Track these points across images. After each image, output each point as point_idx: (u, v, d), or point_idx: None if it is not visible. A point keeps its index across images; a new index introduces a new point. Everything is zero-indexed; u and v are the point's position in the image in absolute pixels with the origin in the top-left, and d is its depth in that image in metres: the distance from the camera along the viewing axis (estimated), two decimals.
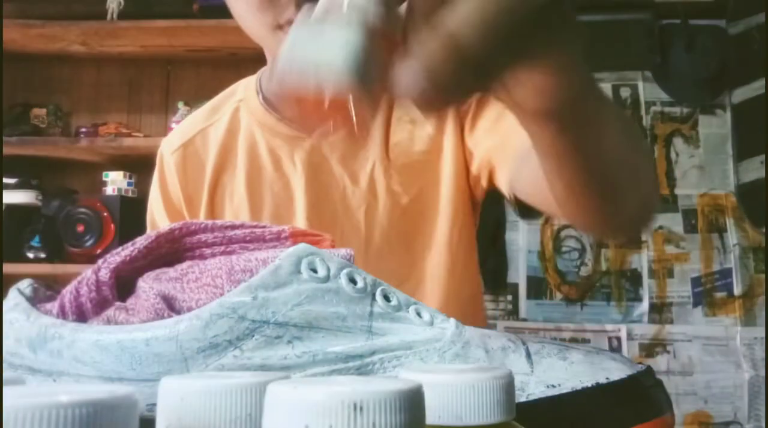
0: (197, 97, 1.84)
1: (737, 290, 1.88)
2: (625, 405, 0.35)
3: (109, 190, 1.80)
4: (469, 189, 0.76)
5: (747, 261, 1.89)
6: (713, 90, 1.97)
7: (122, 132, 1.85)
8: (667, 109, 1.98)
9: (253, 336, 0.33)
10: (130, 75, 2.02)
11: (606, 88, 1.99)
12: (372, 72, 0.26)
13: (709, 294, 1.89)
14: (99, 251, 1.68)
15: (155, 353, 0.33)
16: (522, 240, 1.95)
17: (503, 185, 0.68)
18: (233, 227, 0.40)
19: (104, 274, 0.37)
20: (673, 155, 1.96)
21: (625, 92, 1.99)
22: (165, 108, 2.00)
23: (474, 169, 0.74)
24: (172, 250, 0.39)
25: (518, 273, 1.94)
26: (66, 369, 0.34)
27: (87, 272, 0.37)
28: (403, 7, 0.28)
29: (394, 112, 0.75)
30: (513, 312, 1.92)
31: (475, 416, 0.24)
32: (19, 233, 1.75)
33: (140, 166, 1.82)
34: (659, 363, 1.84)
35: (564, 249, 1.94)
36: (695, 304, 1.89)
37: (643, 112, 1.98)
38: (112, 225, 1.72)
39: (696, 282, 1.90)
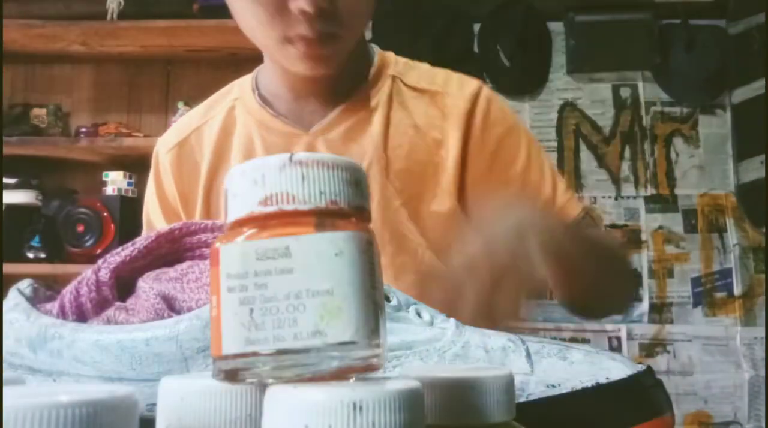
0: (197, 97, 1.83)
1: (737, 290, 1.88)
2: (625, 405, 0.35)
3: (109, 190, 1.80)
4: (463, 199, 0.76)
5: (747, 261, 1.89)
6: (713, 90, 1.97)
7: (122, 132, 1.85)
8: (667, 109, 1.98)
9: None
10: (130, 75, 2.02)
11: (606, 88, 1.99)
12: None
13: (709, 294, 1.89)
14: (99, 251, 1.68)
15: (155, 353, 0.33)
16: None
17: None
18: None
19: (104, 274, 0.37)
20: (673, 155, 1.96)
21: (625, 92, 1.99)
22: (165, 108, 2.00)
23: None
24: (172, 250, 0.39)
25: None
26: (66, 369, 0.34)
27: (87, 272, 0.37)
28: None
29: (392, 113, 0.75)
30: None
31: (474, 416, 0.24)
32: (19, 233, 1.75)
33: (140, 166, 1.82)
34: (659, 363, 1.84)
35: None
36: (695, 304, 1.89)
37: (643, 112, 1.98)
38: (112, 225, 1.72)
39: (696, 282, 1.90)
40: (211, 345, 0.22)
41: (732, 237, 1.91)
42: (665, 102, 1.98)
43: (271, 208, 0.22)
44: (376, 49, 0.80)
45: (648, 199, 1.94)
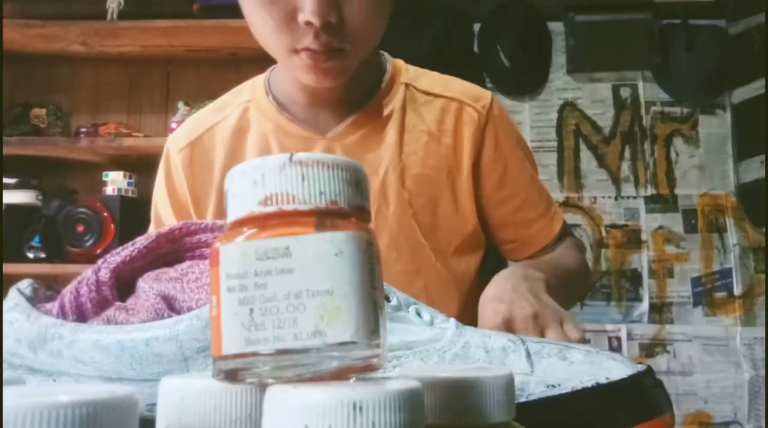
0: (197, 97, 1.84)
1: (737, 290, 1.88)
2: (625, 405, 0.35)
3: (109, 190, 1.80)
4: (474, 207, 0.79)
5: (747, 261, 1.89)
6: (713, 90, 1.97)
7: (122, 132, 1.85)
8: (667, 109, 1.98)
9: None
10: (130, 75, 2.02)
11: (606, 88, 1.99)
12: None
13: (709, 294, 1.89)
14: (99, 251, 1.68)
15: (155, 353, 0.33)
16: None
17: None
18: None
19: (104, 274, 0.37)
20: (673, 155, 1.96)
21: (625, 92, 1.99)
22: (165, 108, 2.00)
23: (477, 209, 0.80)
24: (172, 250, 0.39)
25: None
26: (66, 369, 0.34)
27: (87, 272, 0.37)
28: None
29: (406, 119, 0.76)
30: None
31: (474, 416, 0.24)
32: (19, 233, 1.75)
33: (140, 166, 1.82)
34: (659, 363, 1.84)
35: None
36: (695, 304, 1.89)
37: (643, 112, 1.98)
38: (112, 225, 1.72)
39: (696, 282, 1.90)
40: (211, 345, 0.22)
41: (732, 237, 1.91)
42: (665, 102, 1.98)
43: (271, 208, 0.22)
44: (387, 57, 0.80)
45: (648, 199, 1.94)
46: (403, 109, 0.76)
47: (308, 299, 0.21)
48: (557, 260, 0.80)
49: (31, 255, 1.75)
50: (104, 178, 1.82)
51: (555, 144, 1.98)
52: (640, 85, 1.99)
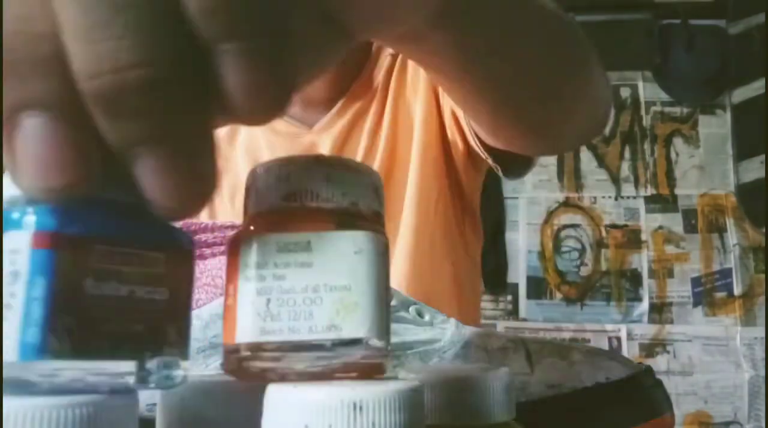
0: None
1: (737, 290, 1.88)
2: (625, 405, 0.35)
3: None
4: (446, 162, 0.72)
5: (747, 261, 1.89)
6: (713, 90, 1.97)
7: None
8: (667, 109, 1.98)
9: None
10: None
11: None
12: None
13: (709, 294, 1.89)
14: None
15: None
16: (522, 240, 1.95)
17: (471, 140, 0.64)
18: (233, 227, 0.40)
19: None
20: (673, 155, 1.96)
21: (625, 92, 1.99)
22: None
23: (448, 133, 0.71)
24: None
25: (518, 273, 1.94)
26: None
27: None
28: None
29: (390, 91, 0.74)
30: (513, 312, 1.92)
31: (475, 416, 0.24)
32: None
33: None
34: (659, 363, 1.84)
35: (564, 249, 1.94)
36: (695, 304, 1.89)
37: (643, 112, 1.98)
38: None
39: (696, 282, 1.90)
40: (224, 333, 0.22)
41: (732, 237, 1.91)
42: (665, 102, 1.98)
43: (294, 204, 0.22)
44: None
45: (648, 199, 1.94)
46: (387, 81, 0.74)
47: (326, 293, 0.21)
48: None
49: None
50: None
51: None
52: (640, 85, 1.99)
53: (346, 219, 0.22)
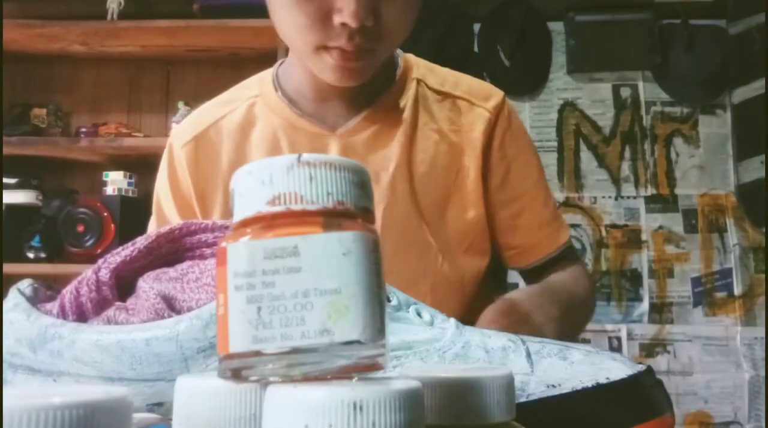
0: (197, 97, 1.83)
1: (737, 290, 1.88)
2: (625, 405, 0.35)
3: (109, 190, 1.80)
4: (483, 207, 0.77)
5: (747, 261, 1.89)
6: (713, 90, 1.97)
7: (122, 132, 1.85)
8: (667, 109, 1.98)
9: None
10: (130, 75, 2.02)
11: (606, 88, 1.99)
12: None
13: (709, 294, 1.89)
14: (99, 251, 1.68)
15: (155, 353, 0.33)
16: None
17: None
18: None
19: (104, 274, 0.37)
20: (673, 155, 1.96)
21: (625, 92, 1.99)
22: (165, 108, 2.00)
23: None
24: (172, 250, 0.39)
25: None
26: (66, 369, 0.34)
27: (87, 272, 0.37)
28: None
29: (418, 117, 0.76)
30: None
31: (475, 416, 0.24)
32: (19, 233, 1.75)
33: (140, 166, 1.82)
34: (659, 363, 1.84)
35: None
36: (695, 304, 1.89)
37: (643, 112, 1.98)
38: (112, 225, 1.72)
39: (696, 282, 1.90)
40: (218, 343, 0.22)
41: (732, 237, 1.91)
42: (665, 102, 1.98)
43: (279, 208, 0.22)
44: (399, 51, 0.79)
45: (648, 199, 1.94)
46: (415, 106, 0.76)
47: (316, 298, 0.21)
48: (570, 288, 0.78)
49: (31, 255, 1.75)
50: (104, 178, 1.82)
51: (555, 144, 1.98)
52: (640, 85, 1.99)
53: (332, 220, 0.22)
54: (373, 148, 0.74)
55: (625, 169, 1.96)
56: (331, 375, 0.21)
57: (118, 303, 0.37)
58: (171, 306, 0.36)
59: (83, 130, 1.85)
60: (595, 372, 0.35)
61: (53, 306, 0.36)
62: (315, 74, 0.70)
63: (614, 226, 1.94)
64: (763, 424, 1.77)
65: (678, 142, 1.97)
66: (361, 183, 0.23)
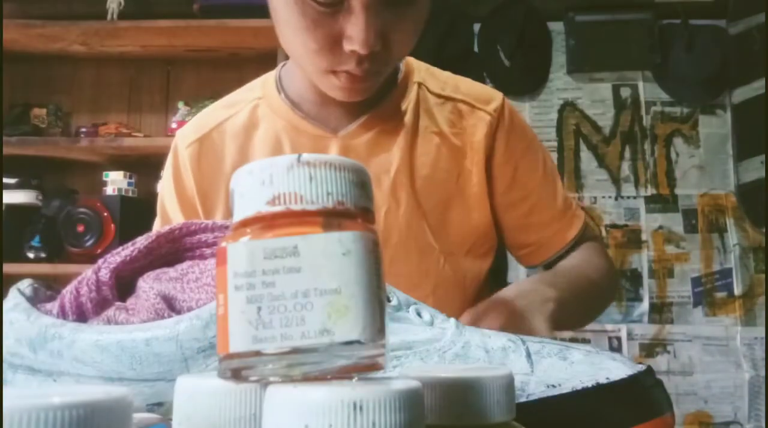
0: (197, 97, 1.84)
1: (737, 290, 1.88)
2: (625, 405, 0.35)
3: (110, 190, 1.80)
4: (488, 210, 0.78)
5: (747, 261, 1.89)
6: (713, 90, 1.97)
7: (122, 132, 1.85)
8: (667, 109, 1.98)
9: None
10: (130, 75, 2.02)
11: (606, 88, 1.99)
12: None
13: (709, 294, 1.89)
14: (99, 251, 1.68)
15: (155, 353, 0.33)
16: None
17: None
18: None
19: (104, 274, 0.37)
20: (673, 155, 1.96)
21: (625, 92, 1.99)
22: (165, 108, 2.00)
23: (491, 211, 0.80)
24: (172, 250, 0.39)
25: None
26: (66, 369, 0.34)
27: (87, 272, 0.37)
28: None
29: (419, 120, 0.76)
30: None
31: (474, 416, 0.24)
32: (19, 233, 1.75)
33: (140, 166, 1.82)
34: (659, 363, 1.84)
35: None
36: (695, 304, 1.89)
37: (643, 112, 1.98)
38: (112, 225, 1.72)
39: (696, 282, 1.90)
40: (218, 343, 0.22)
41: (732, 237, 1.91)
42: (665, 102, 1.98)
43: (278, 208, 0.22)
44: None
45: (648, 199, 1.94)
46: (416, 110, 0.76)
47: (316, 298, 0.21)
48: (577, 270, 0.78)
49: (31, 255, 1.75)
50: (104, 178, 1.82)
51: (555, 144, 1.98)
52: (640, 85, 1.99)
53: (332, 220, 0.22)
54: (375, 151, 0.74)
55: (625, 169, 1.96)
56: (331, 375, 0.21)
57: (118, 303, 0.37)
58: (171, 306, 0.36)
59: (83, 130, 1.85)
60: (595, 372, 0.35)
61: (53, 306, 0.36)
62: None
63: (614, 226, 1.94)
64: (763, 424, 1.77)
65: (678, 142, 1.97)
66: (361, 183, 0.23)
